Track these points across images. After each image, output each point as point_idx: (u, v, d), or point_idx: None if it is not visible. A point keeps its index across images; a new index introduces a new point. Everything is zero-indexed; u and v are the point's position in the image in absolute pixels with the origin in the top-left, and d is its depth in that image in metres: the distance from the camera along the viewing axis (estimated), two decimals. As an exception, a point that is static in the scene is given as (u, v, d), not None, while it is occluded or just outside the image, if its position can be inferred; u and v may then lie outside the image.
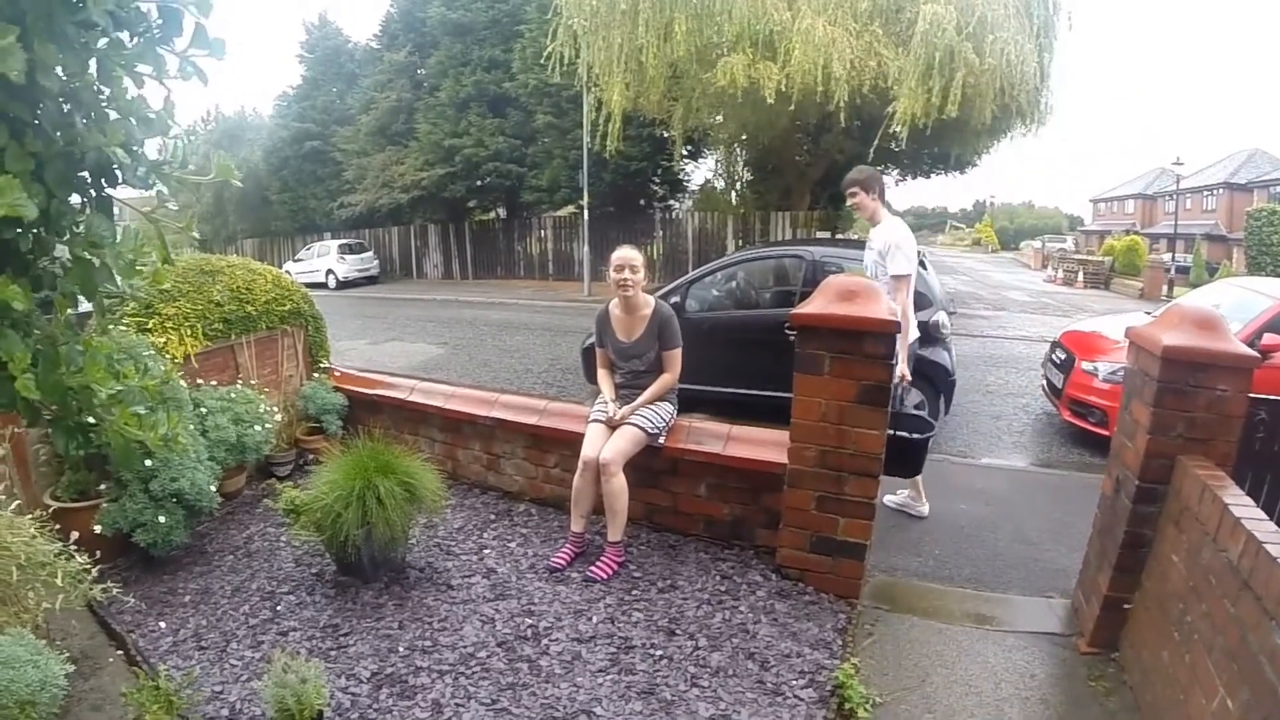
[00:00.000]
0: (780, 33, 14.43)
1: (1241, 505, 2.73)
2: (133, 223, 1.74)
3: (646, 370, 4.66)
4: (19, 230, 1.47)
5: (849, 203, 5.49)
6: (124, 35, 1.54)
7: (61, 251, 1.65)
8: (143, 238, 1.69)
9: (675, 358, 4.63)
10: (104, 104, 1.56)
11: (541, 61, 19.06)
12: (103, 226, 1.60)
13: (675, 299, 7.88)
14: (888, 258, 5.26)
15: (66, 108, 1.52)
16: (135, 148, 1.61)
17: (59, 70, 1.45)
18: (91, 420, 1.68)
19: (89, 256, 1.59)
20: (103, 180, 1.64)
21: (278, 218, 35.99)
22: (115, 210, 1.71)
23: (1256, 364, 3.29)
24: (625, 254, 4.58)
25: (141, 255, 1.67)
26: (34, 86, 1.39)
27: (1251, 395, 3.37)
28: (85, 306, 1.72)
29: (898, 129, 14.82)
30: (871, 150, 17.05)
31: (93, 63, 1.52)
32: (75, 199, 1.62)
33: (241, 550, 4.69)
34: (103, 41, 1.51)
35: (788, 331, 5.35)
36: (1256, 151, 46.95)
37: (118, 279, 1.65)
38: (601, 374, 4.86)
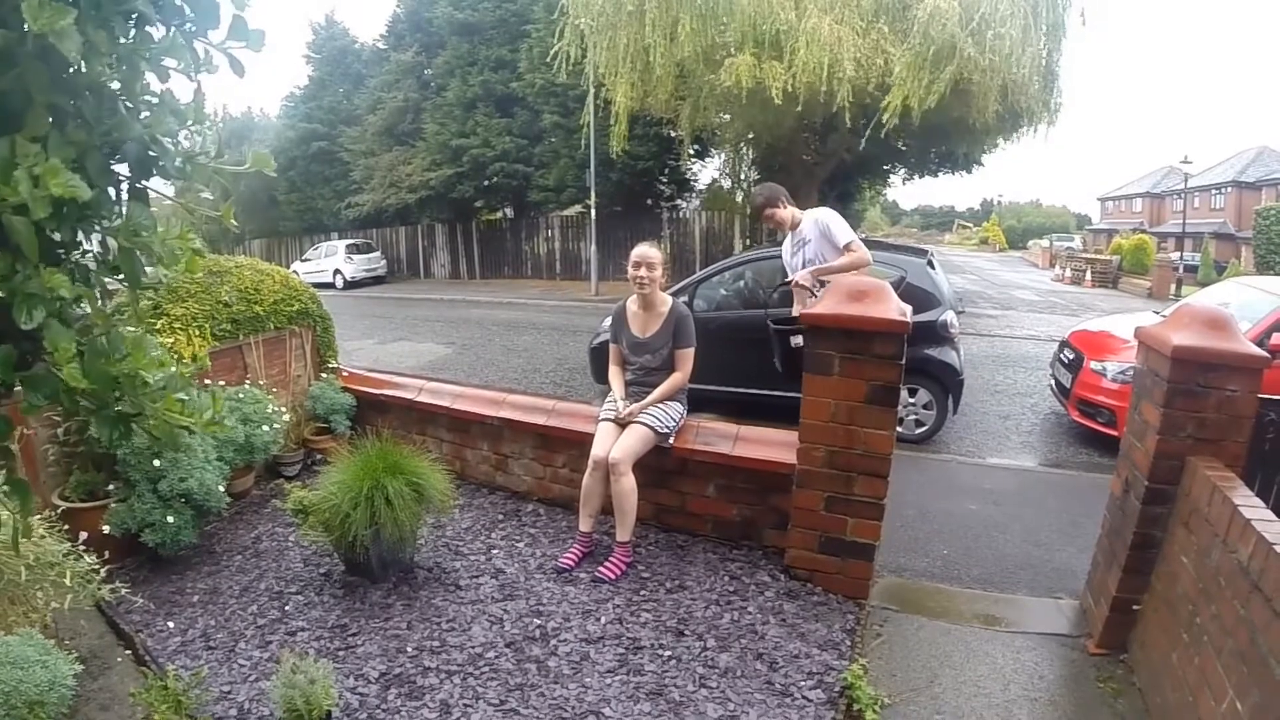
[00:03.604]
0: (786, 32, 14.42)
1: (1252, 506, 2.72)
2: (170, 215, 1.76)
3: (658, 368, 4.66)
4: (59, 223, 1.47)
5: (769, 225, 5.71)
6: (157, 28, 1.55)
7: (93, 244, 1.66)
8: (185, 226, 1.70)
9: (687, 357, 4.63)
10: (138, 96, 1.58)
11: (548, 61, 19.09)
12: (142, 215, 1.60)
13: (683, 299, 7.87)
14: (831, 235, 5.47)
15: (96, 99, 1.52)
16: (170, 138, 1.63)
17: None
18: (130, 410, 1.67)
19: (129, 245, 1.60)
20: (139, 172, 1.65)
21: (285, 218, 36.10)
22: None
23: (1266, 364, 3.28)
24: (643, 251, 4.60)
25: (186, 242, 1.67)
26: (79, 73, 1.41)
27: (1261, 396, 3.36)
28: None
29: (889, 118, 14.83)
30: (862, 141, 17.08)
31: (116, 57, 1.52)
32: (111, 191, 1.63)
33: (250, 550, 4.70)
34: (130, 35, 1.52)
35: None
36: (1264, 149, 46.79)
37: (156, 268, 1.67)
38: (613, 370, 4.86)
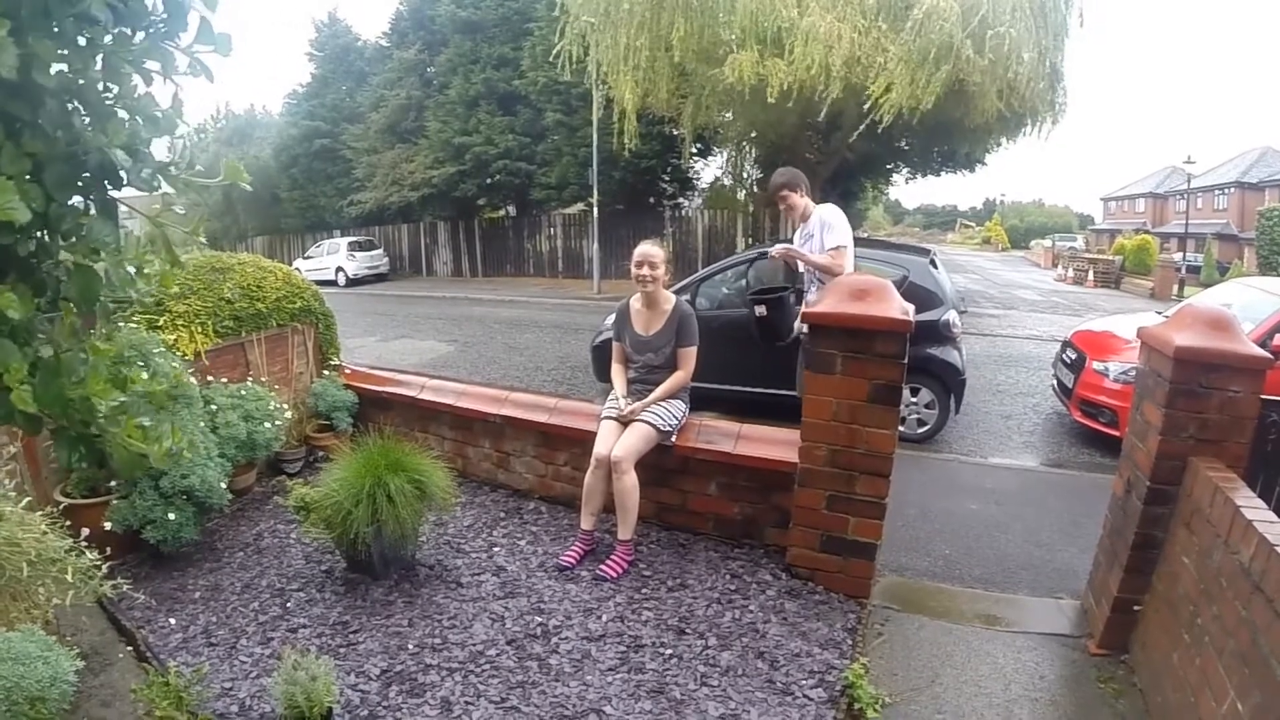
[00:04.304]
0: (789, 29, 14.40)
1: (1253, 507, 2.72)
2: (136, 227, 1.70)
3: (661, 366, 4.66)
4: (17, 235, 1.42)
5: (780, 207, 5.69)
6: (128, 31, 1.50)
7: (66, 255, 1.59)
8: (146, 243, 1.65)
9: (690, 355, 4.63)
10: (110, 102, 1.52)
11: (551, 60, 19.08)
12: (104, 231, 1.55)
13: (686, 297, 7.86)
14: (823, 234, 5.48)
15: (70, 106, 1.47)
16: (141, 148, 1.56)
17: (63, 67, 1.41)
18: (95, 431, 1.63)
19: (89, 263, 1.54)
20: (106, 183, 1.59)
21: (288, 215, 36.10)
22: (122, 212, 1.66)
23: (1269, 365, 3.28)
24: (645, 250, 4.60)
25: (144, 261, 1.62)
26: (30, 84, 1.35)
27: (1263, 397, 3.36)
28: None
29: (885, 117, 14.81)
30: (854, 135, 17.08)
31: (98, 59, 1.48)
32: (78, 201, 1.57)
33: (251, 547, 4.71)
34: (109, 37, 1.47)
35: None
36: (1268, 150, 46.66)
37: (120, 286, 1.61)
38: (615, 368, 4.86)
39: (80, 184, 1.56)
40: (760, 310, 5.55)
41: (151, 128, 1.57)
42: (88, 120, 1.51)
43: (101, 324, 1.70)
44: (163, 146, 1.63)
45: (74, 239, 1.56)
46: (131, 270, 1.61)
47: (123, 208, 1.66)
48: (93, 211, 1.61)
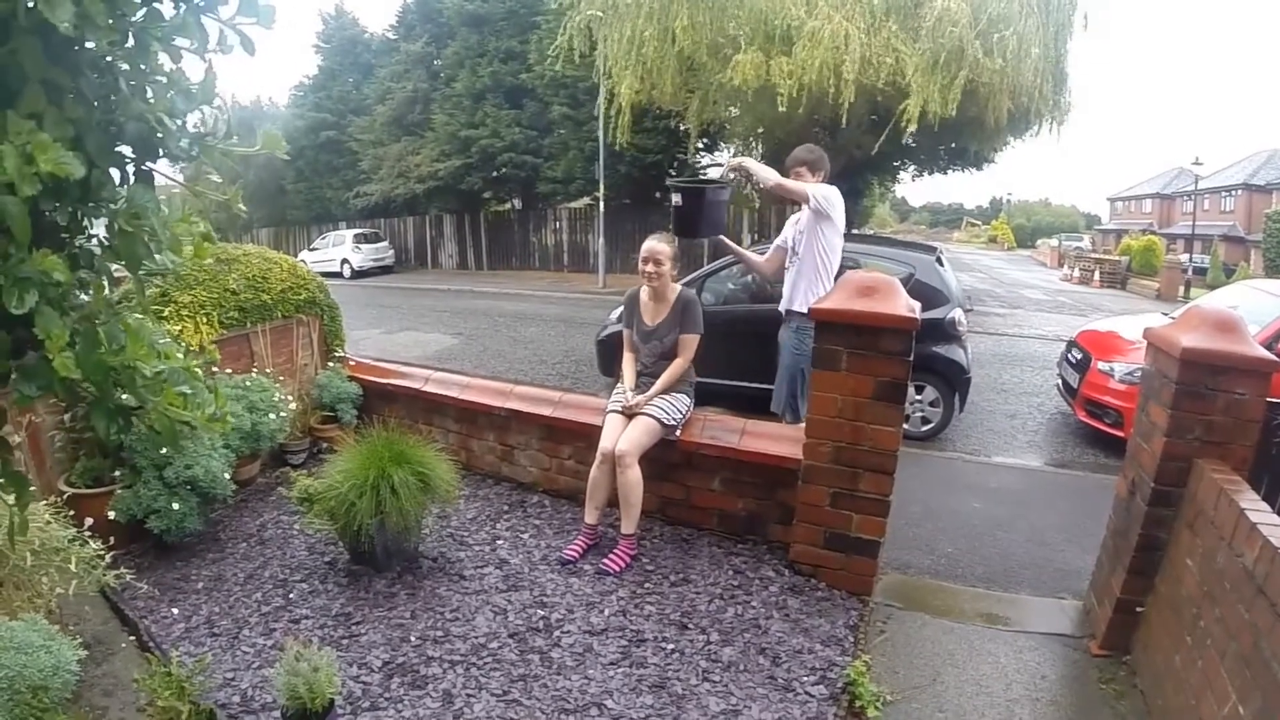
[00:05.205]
0: (797, 28, 14.36)
1: (1258, 510, 2.71)
2: (173, 194, 1.71)
3: (665, 355, 4.66)
4: (56, 204, 1.44)
5: (795, 180, 5.51)
6: (159, 6, 1.50)
7: (98, 229, 1.61)
8: (189, 208, 1.66)
9: (690, 343, 4.62)
10: (137, 82, 1.53)
11: (550, 54, 19.05)
12: (145, 197, 1.55)
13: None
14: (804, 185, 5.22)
15: (101, 81, 1.49)
16: (177, 119, 1.58)
17: (91, 45, 1.43)
18: (132, 402, 1.64)
19: (130, 229, 1.54)
20: (143, 153, 1.61)
21: (293, 207, 36.21)
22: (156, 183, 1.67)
23: (1275, 368, 3.27)
24: (651, 246, 4.61)
25: (189, 226, 1.63)
26: (76, 49, 1.37)
27: (1269, 399, 3.35)
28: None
29: (908, 125, 14.79)
30: (877, 144, 17.04)
31: (130, 35, 1.48)
32: (114, 174, 1.58)
33: (254, 538, 4.71)
34: (139, 14, 1.48)
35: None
36: (1276, 152, 46.49)
37: (162, 253, 1.61)
38: (626, 358, 4.85)
39: (118, 155, 1.58)
40: (676, 199, 5.42)
41: (186, 101, 1.58)
42: (124, 89, 1.52)
43: (138, 296, 1.71)
44: (194, 120, 1.64)
45: (110, 209, 1.57)
46: (175, 231, 1.61)
47: (158, 179, 1.68)
48: (131, 181, 1.62)
